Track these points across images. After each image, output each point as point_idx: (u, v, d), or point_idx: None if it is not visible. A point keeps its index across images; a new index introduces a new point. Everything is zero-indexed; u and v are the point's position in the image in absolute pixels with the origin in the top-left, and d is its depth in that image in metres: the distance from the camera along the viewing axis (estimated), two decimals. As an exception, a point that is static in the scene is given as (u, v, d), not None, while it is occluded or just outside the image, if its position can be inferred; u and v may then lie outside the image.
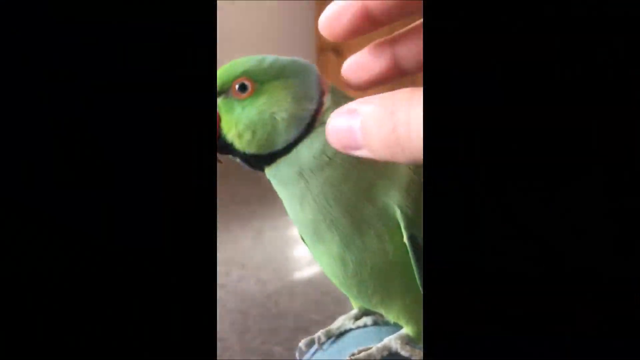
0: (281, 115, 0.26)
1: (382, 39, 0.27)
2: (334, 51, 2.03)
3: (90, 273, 0.20)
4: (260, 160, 0.27)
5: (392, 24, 0.25)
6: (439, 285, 0.18)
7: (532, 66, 0.19)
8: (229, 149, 0.27)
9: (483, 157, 0.19)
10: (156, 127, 0.21)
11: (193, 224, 0.20)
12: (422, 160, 0.19)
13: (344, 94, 0.28)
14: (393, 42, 0.26)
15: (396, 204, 0.26)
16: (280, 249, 1.55)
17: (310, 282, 1.36)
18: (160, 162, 0.21)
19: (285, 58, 0.27)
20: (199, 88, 0.22)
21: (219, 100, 0.26)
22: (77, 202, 0.20)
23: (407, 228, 0.26)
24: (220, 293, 1.32)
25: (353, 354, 0.30)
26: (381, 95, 0.20)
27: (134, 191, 0.20)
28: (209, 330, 0.20)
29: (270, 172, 0.27)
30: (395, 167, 0.26)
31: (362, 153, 0.20)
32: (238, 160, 0.28)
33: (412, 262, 0.26)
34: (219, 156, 0.27)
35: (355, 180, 0.26)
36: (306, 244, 0.32)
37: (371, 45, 0.26)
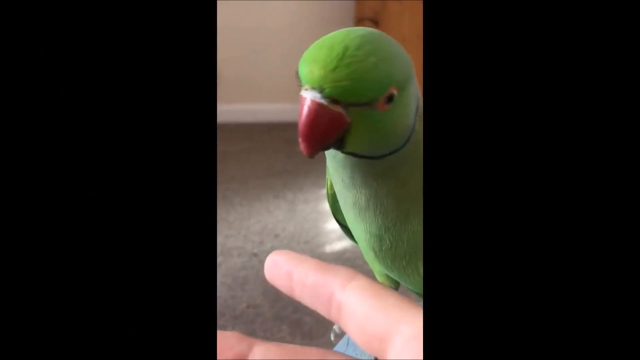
0: (407, 123, 0.25)
1: None
2: (371, 21, 1.99)
3: (89, 261, 0.20)
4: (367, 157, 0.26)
5: None
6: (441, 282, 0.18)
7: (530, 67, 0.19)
8: (340, 148, 0.25)
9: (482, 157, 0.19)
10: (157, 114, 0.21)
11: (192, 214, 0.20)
12: None
13: None
14: None
15: None
16: (312, 222, 1.56)
17: (340, 256, 1.38)
18: (159, 152, 0.21)
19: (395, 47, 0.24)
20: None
21: (359, 110, 0.23)
22: (83, 194, 0.20)
23: None
24: (254, 261, 1.36)
25: None
26: None
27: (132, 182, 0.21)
28: (208, 321, 0.19)
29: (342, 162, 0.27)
30: None
31: None
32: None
33: None
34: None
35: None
36: (343, 224, 0.34)
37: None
